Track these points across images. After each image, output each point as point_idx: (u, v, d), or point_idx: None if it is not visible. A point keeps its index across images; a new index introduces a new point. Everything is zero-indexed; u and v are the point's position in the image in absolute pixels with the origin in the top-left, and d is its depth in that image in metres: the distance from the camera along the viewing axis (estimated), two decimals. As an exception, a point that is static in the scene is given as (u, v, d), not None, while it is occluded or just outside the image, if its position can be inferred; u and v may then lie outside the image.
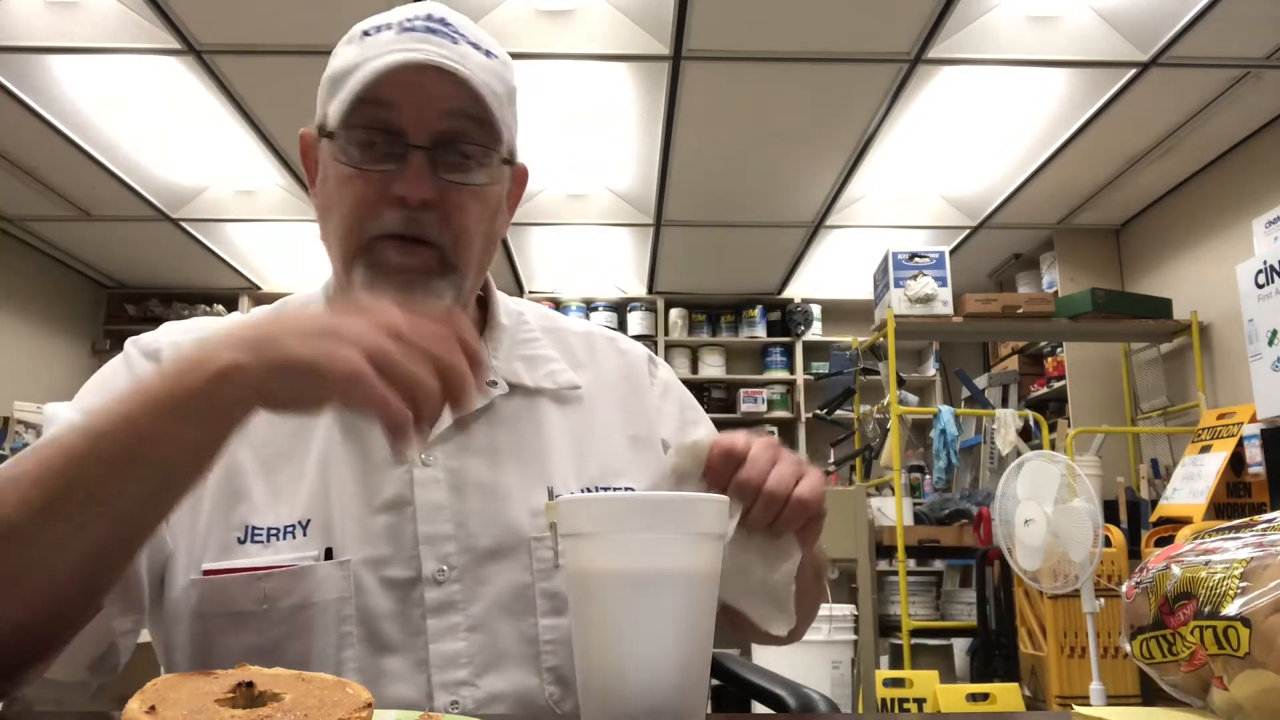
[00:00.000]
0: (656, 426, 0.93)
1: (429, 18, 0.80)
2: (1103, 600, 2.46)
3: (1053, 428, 4.10)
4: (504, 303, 0.93)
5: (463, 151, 0.79)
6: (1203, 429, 3.27)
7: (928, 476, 4.44)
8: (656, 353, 1.02)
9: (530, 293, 5.74)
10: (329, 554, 0.76)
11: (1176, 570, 0.59)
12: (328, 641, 0.75)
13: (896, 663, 3.49)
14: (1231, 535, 0.59)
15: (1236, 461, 3.02)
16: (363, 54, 0.78)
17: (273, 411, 0.59)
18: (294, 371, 0.56)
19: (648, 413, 0.93)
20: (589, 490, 0.85)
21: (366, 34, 0.80)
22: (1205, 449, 3.17)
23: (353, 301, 0.60)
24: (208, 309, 5.72)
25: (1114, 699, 2.63)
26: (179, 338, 0.84)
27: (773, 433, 5.93)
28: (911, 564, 3.83)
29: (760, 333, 6.01)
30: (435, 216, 0.77)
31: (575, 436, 0.88)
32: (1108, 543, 2.82)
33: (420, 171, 0.76)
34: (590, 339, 0.96)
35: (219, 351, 0.57)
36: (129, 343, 0.84)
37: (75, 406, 0.77)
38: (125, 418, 0.57)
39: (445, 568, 0.78)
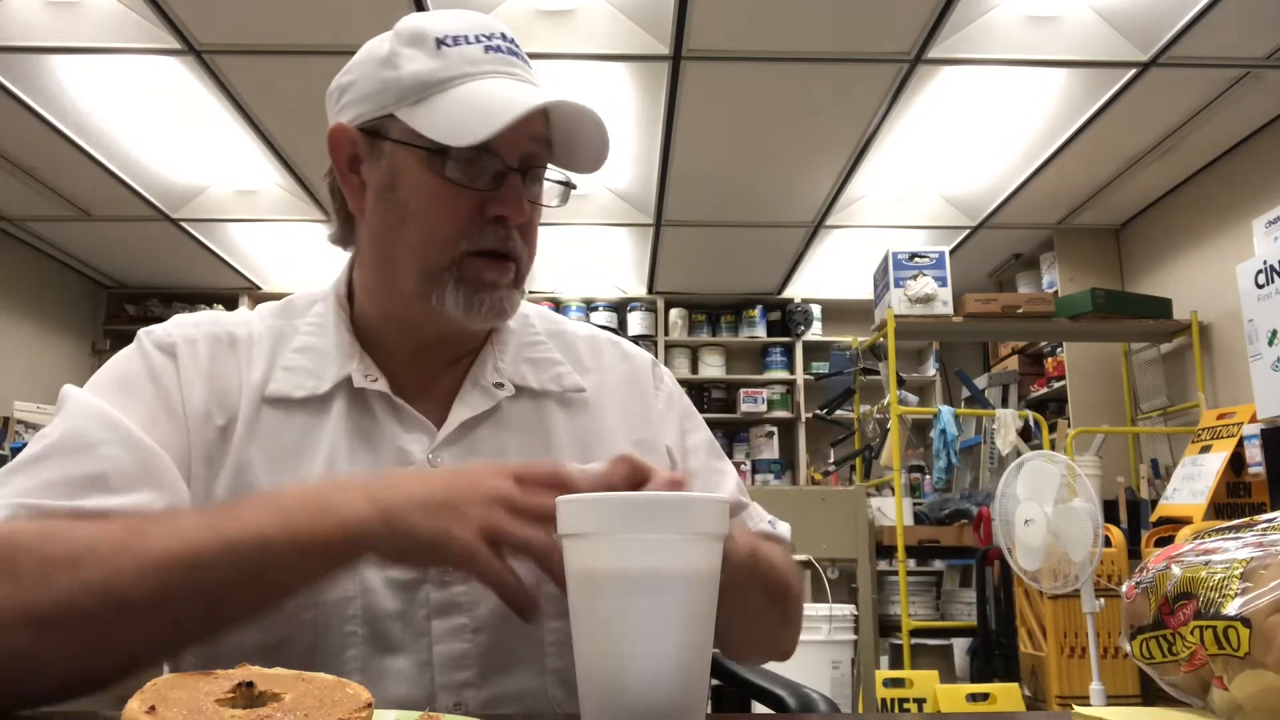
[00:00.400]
0: (660, 433, 0.93)
1: (503, 37, 0.81)
2: (1103, 600, 2.46)
3: (1053, 428, 4.10)
4: None
5: (540, 175, 0.83)
6: (1203, 429, 3.27)
7: (928, 476, 4.44)
8: (656, 353, 1.03)
9: (530, 293, 5.74)
10: None
11: (1176, 570, 0.58)
12: (332, 641, 0.75)
13: (896, 663, 3.49)
14: (1231, 535, 0.59)
15: (1236, 461, 3.02)
16: (451, 68, 0.77)
17: (391, 565, 0.69)
18: (415, 544, 0.62)
19: (652, 418, 0.93)
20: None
21: (443, 43, 0.78)
22: (1205, 449, 3.17)
23: (465, 469, 0.68)
24: (208, 309, 5.70)
25: (1114, 699, 2.63)
26: (191, 332, 0.83)
27: (772, 434, 5.94)
28: (911, 564, 3.83)
29: (760, 333, 6.01)
30: (517, 234, 0.82)
31: (581, 439, 0.88)
32: (1108, 543, 2.82)
33: (519, 193, 0.80)
34: (594, 342, 0.96)
35: (354, 504, 0.62)
36: (142, 334, 0.82)
37: (92, 391, 0.76)
38: (260, 538, 0.61)
39: (450, 569, 0.78)
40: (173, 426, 0.77)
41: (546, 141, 0.82)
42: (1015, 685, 2.66)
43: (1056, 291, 4.69)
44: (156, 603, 0.60)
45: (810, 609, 3.07)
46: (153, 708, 0.43)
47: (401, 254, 0.81)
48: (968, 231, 4.82)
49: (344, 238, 0.88)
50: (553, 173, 0.85)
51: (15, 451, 3.69)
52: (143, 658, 0.63)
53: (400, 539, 0.62)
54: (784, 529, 0.96)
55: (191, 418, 0.78)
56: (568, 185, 0.87)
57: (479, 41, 0.79)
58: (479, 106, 0.76)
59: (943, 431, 3.77)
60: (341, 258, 0.91)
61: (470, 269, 0.80)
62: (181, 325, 0.84)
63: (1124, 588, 0.63)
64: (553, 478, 0.65)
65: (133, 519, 0.65)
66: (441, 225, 0.79)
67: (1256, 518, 0.60)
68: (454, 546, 0.61)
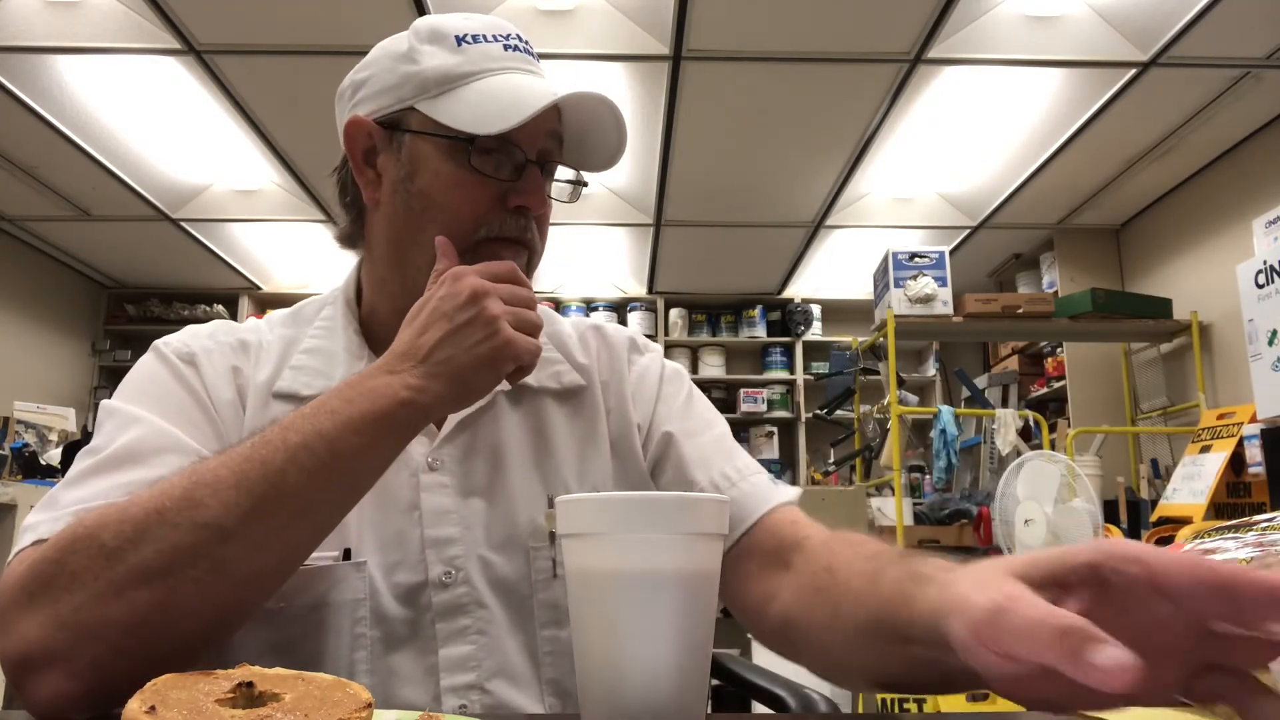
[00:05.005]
0: (631, 415, 0.91)
1: (519, 38, 0.84)
2: (1103, 600, 2.45)
3: (1053, 428, 4.10)
4: None
5: (553, 170, 0.85)
6: (1203, 429, 3.26)
7: (928, 476, 4.44)
8: (655, 354, 1.02)
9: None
10: (347, 555, 0.77)
11: (1176, 570, 0.58)
12: (341, 642, 0.75)
13: (896, 663, 3.49)
14: (1231, 535, 0.59)
15: (1236, 461, 3.02)
16: (473, 64, 0.79)
17: (455, 410, 0.72)
18: (470, 388, 0.68)
19: (625, 409, 0.91)
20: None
21: (463, 40, 0.80)
22: (1205, 449, 3.16)
23: (434, 303, 0.70)
24: (208, 309, 5.71)
25: (1114, 699, 2.63)
26: (206, 342, 0.83)
27: (772, 434, 5.94)
28: (911, 564, 3.81)
29: (760, 333, 6.01)
30: (534, 225, 0.83)
31: (578, 436, 0.88)
32: (1108, 543, 2.82)
33: (538, 184, 0.82)
34: (582, 334, 0.96)
35: (403, 376, 0.66)
36: (160, 345, 0.82)
37: (132, 403, 0.76)
38: (319, 434, 0.63)
39: (452, 570, 0.78)
40: (211, 429, 0.78)
41: (559, 138, 0.84)
42: (1015, 685, 2.65)
43: (1056, 291, 4.69)
44: (252, 521, 0.61)
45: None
46: (153, 708, 0.43)
47: (418, 244, 0.81)
48: (968, 231, 4.82)
49: (352, 236, 0.89)
50: (564, 171, 0.86)
51: (15, 451, 3.69)
52: (264, 580, 0.64)
53: (455, 391, 0.67)
54: (789, 491, 0.93)
55: (223, 418, 0.80)
56: (579, 183, 0.88)
57: (497, 40, 0.82)
58: (504, 97, 0.78)
59: (943, 431, 3.77)
60: (342, 257, 0.91)
61: (485, 253, 0.80)
62: (196, 335, 0.84)
63: (1124, 588, 0.63)
64: (510, 272, 0.71)
65: (183, 470, 0.65)
66: (462, 212, 0.79)
67: (1256, 518, 0.59)
68: (505, 352, 0.67)
